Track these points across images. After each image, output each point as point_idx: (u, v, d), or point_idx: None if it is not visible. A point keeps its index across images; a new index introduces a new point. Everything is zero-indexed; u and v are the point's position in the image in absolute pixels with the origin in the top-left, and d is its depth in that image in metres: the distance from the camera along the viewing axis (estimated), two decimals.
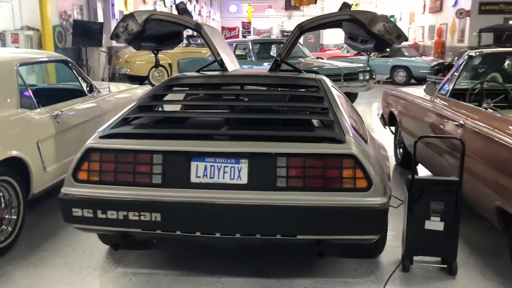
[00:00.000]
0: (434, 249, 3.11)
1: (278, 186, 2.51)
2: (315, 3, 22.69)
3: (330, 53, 21.46)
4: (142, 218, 2.55)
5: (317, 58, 13.83)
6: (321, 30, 38.90)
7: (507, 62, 4.70)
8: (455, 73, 4.52)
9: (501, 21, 16.37)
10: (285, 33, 34.54)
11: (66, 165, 4.14)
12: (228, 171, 2.56)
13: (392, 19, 31.94)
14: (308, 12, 35.87)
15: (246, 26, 39.08)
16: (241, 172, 2.55)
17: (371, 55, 4.71)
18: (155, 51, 4.45)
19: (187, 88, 3.70)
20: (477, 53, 4.42)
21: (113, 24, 19.87)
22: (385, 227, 2.79)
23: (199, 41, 16.80)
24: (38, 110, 3.91)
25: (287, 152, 2.52)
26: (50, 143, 3.96)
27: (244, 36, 33.82)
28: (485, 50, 4.52)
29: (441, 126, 4.18)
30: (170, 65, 15.95)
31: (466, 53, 4.49)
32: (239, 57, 11.73)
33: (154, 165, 2.58)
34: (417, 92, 5.27)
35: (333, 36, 35.14)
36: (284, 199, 2.49)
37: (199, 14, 32.54)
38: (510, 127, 3.18)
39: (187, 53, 16.35)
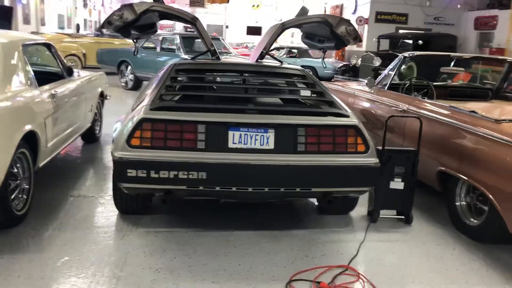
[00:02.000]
0: (395, 204, 4.01)
1: (298, 150, 3.21)
2: (227, 2, 23.42)
3: (240, 51, 22.34)
4: (190, 176, 3.08)
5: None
6: (224, 29, 39.98)
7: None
8: (391, 71, 5.57)
9: (394, 30, 18.55)
10: (188, 29, 34.85)
11: (58, 143, 4.44)
12: (258, 139, 3.19)
13: None
14: (211, 10, 36.61)
15: None
16: (268, 140, 3.20)
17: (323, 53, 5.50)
18: (135, 40, 4.90)
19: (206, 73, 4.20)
20: (410, 55, 5.50)
21: (20, 9, 18.81)
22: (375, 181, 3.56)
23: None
24: (40, 89, 4.15)
25: (305, 123, 3.23)
26: (50, 121, 4.21)
27: None
28: (416, 53, 5.62)
29: (386, 112, 5.16)
30: (84, 54, 15.73)
31: (401, 54, 5.54)
32: (165, 50, 12.11)
33: (198, 133, 3.13)
34: (356, 86, 6.28)
35: (236, 35, 36.37)
36: (303, 160, 3.19)
37: (102, 4, 31.60)
38: (445, 111, 4.20)
39: (102, 44, 16.24)
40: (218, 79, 4.44)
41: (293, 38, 32.09)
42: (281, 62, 4.54)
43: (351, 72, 14.54)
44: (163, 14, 4.42)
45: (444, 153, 4.04)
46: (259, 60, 4.49)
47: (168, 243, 3.43)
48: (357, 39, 4.83)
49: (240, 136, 3.18)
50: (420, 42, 14.57)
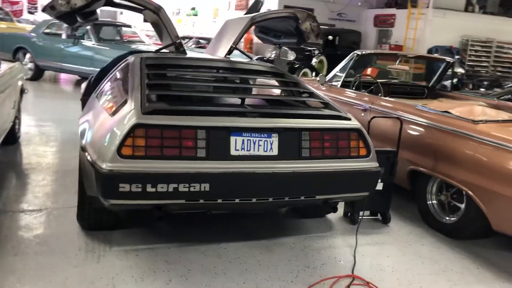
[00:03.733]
0: (374, 205, 3.98)
1: (303, 156, 2.99)
2: None
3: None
4: (191, 189, 2.72)
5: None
6: (117, 14, 37.92)
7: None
8: (342, 69, 5.58)
9: None
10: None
11: None
12: (262, 144, 2.92)
13: (193, 11, 32.43)
14: None
15: (33, 1, 35.33)
16: (272, 145, 2.94)
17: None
18: (75, 28, 4.35)
19: (179, 69, 3.77)
20: (362, 52, 5.54)
21: None
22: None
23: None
24: None
25: (309, 127, 3.02)
26: None
27: (30, 13, 30.58)
28: (368, 51, 5.67)
29: (348, 111, 5.13)
30: None
31: (353, 52, 5.56)
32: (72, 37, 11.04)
33: (198, 139, 2.77)
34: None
35: (131, 21, 34.61)
36: (308, 166, 2.99)
37: None
38: (414, 110, 4.26)
39: None
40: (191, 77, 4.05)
41: (194, 27, 31.46)
42: (251, 58, 4.28)
43: None
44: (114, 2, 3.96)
45: (416, 152, 4.10)
46: (227, 56, 4.20)
47: (156, 263, 3.04)
48: (319, 36, 4.74)
49: (243, 142, 2.88)
50: (330, 37, 15.06)
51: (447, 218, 3.89)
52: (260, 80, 4.14)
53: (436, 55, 8.21)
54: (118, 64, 3.84)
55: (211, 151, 2.80)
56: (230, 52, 4.16)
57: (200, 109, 2.88)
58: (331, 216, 4.02)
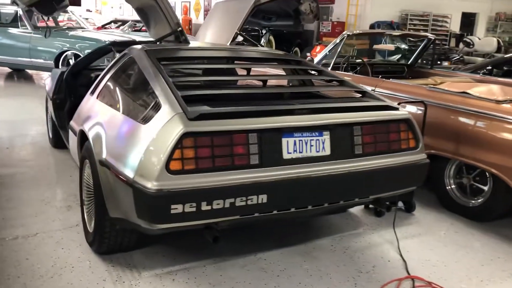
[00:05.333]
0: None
1: (356, 154, 2.71)
2: None
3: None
4: (249, 202, 2.36)
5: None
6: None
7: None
8: (332, 50, 5.32)
9: None
10: None
11: None
12: (314, 144, 2.60)
13: None
14: None
15: None
16: (324, 144, 2.63)
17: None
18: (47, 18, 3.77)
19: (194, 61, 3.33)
20: (353, 32, 5.31)
21: None
22: None
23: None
24: None
25: (361, 121, 2.73)
26: None
27: None
28: (357, 31, 5.45)
29: None
30: None
31: (344, 32, 5.31)
32: None
33: (250, 145, 2.40)
34: None
35: None
36: (363, 165, 2.71)
37: None
38: (426, 92, 4.10)
39: None
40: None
41: (121, 10, 29.86)
42: (256, 44, 3.90)
43: None
44: None
45: (435, 136, 3.95)
46: (245, 43, 3.80)
47: (199, 287, 2.66)
48: (317, 16, 4.45)
49: (295, 143, 2.55)
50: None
51: (473, 201, 3.80)
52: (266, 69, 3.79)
53: (417, 32, 8.24)
54: (116, 59, 3.31)
55: (264, 157, 2.45)
56: (234, 39, 3.76)
57: (251, 109, 2.49)
58: (353, 209, 3.81)
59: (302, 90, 3.18)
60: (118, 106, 2.82)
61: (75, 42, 9.03)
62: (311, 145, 2.60)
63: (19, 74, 11.08)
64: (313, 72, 3.47)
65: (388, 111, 2.88)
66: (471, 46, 11.94)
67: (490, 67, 6.29)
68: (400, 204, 3.84)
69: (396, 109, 2.91)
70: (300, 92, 3.30)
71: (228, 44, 3.77)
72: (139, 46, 3.24)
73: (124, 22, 17.75)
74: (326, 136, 2.64)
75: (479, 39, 12.81)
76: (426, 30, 16.47)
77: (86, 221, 3.04)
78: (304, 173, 2.53)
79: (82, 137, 3.12)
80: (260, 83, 3.87)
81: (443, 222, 3.72)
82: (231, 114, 2.41)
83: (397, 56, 10.63)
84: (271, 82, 3.92)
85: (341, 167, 2.65)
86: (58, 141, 4.92)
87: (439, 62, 6.27)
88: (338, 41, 5.26)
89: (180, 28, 3.50)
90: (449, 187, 3.95)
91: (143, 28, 16.96)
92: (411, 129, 2.91)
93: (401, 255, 3.13)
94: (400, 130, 2.87)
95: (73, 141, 3.42)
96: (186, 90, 2.60)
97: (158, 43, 3.59)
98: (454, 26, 17.90)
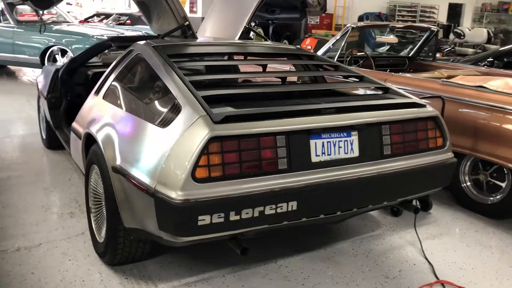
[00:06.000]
0: None
1: (385, 154, 2.57)
2: None
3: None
4: (278, 210, 2.20)
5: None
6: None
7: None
8: (336, 43, 5.16)
9: None
10: None
11: None
12: (342, 145, 2.45)
13: None
14: None
15: None
16: (353, 145, 2.48)
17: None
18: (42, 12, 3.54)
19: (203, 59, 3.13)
20: (358, 25, 5.15)
21: None
22: None
23: None
24: None
25: (389, 119, 2.58)
26: None
27: None
28: (362, 23, 5.30)
29: None
30: None
31: (348, 25, 5.15)
32: None
33: (278, 148, 2.24)
34: None
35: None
36: (392, 166, 2.56)
37: None
38: (439, 86, 3.98)
39: None
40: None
41: (102, 3, 29.24)
42: (267, 39, 3.72)
43: None
44: None
45: (450, 132, 3.82)
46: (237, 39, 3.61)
47: None
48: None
49: (323, 145, 2.39)
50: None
51: (491, 198, 3.69)
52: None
53: (420, 24, 8.11)
54: (121, 56, 3.10)
55: (292, 161, 2.28)
56: (243, 33, 3.57)
57: (279, 109, 2.31)
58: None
59: (324, 87, 3.01)
60: (129, 107, 2.62)
61: (61, 37, 8.71)
62: (339, 147, 2.44)
63: (1, 70, 10.70)
64: (329, 68, 3.32)
65: (416, 108, 2.73)
66: (462, 37, 11.91)
67: (491, 59, 6.20)
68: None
69: (424, 106, 2.77)
70: (321, 90, 3.14)
71: (237, 39, 3.58)
72: (144, 42, 3.04)
73: (107, 16, 17.32)
74: (355, 137, 2.49)
75: (470, 30, 12.79)
76: (414, 22, 16.42)
77: (94, 230, 2.84)
78: (334, 177, 2.37)
79: (88, 140, 2.91)
80: (277, 80, 3.69)
81: (461, 221, 3.61)
82: (257, 115, 2.24)
83: (386, 48, 10.54)
84: (289, 79, 3.75)
85: (370, 169, 2.50)
86: (52, 142, 4.69)
87: (430, 54, 6.13)
88: (342, 33, 5.09)
89: (187, 23, 3.30)
90: (465, 184, 3.84)
91: (127, 21, 16.60)
92: (439, 127, 2.78)
93: (426, 258, 3.00)
94: (427, 128, 2.73)
95: (76, 144, 3.21)
96: (205, 89, 2.42)
97: (163, 38, 3.39)
98: (442, 17, 17.91)
